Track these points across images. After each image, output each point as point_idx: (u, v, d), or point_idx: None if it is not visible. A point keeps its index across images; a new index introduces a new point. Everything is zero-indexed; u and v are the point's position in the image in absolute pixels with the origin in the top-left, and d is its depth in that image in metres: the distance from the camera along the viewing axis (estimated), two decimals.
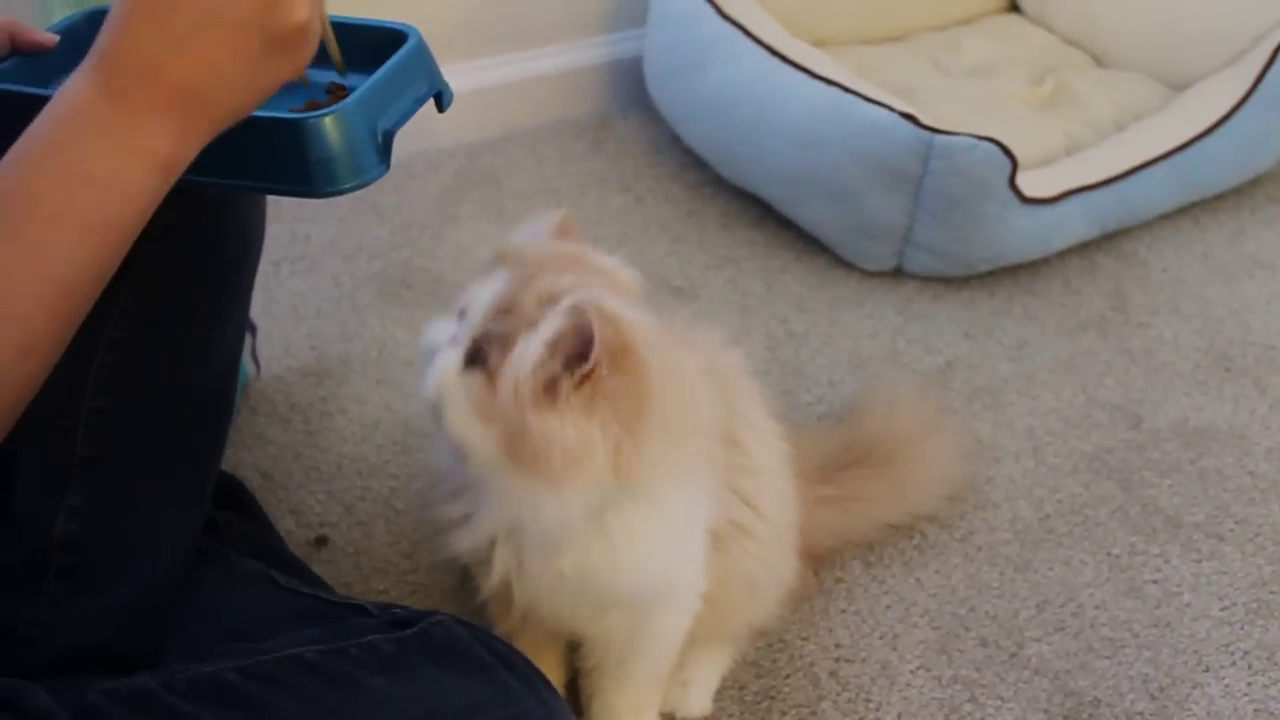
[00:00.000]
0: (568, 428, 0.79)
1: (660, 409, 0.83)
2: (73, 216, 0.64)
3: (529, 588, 0.91)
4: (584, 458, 0.80)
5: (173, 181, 0.68)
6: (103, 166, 0.64)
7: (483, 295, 0.84)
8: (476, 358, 0.82)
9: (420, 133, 0.83)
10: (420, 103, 0.86)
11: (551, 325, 0.79)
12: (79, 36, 0.95)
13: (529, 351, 0.79)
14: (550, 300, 0.81)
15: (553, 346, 0.79)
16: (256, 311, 1.27)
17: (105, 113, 0.65)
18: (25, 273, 0.63)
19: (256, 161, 0.78)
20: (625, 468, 0.82)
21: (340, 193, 0.79)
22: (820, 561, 1.23)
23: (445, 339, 0.85)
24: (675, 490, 0.89)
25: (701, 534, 0.94)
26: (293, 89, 0.92)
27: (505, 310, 0.82)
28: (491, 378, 0.81)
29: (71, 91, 0.66)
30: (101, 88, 0.65)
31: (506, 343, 0.81)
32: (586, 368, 0.79)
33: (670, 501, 0.89)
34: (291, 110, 0.87)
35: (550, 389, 0.79)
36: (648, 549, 0.89)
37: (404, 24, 0.90)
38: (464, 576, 1.20)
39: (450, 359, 0.83)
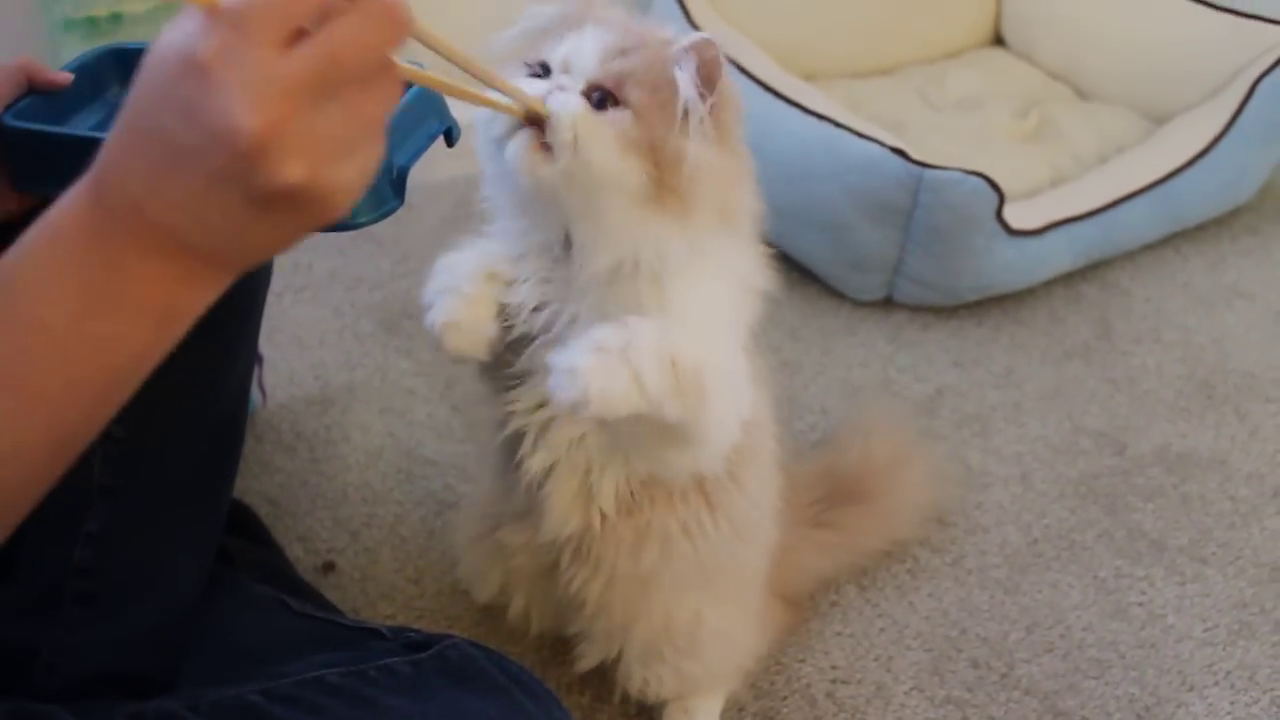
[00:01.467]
0: (710, 153, 0.83)
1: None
2: (58, 375, 0.57)
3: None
4: (726, 182, 0.85)
5: (183, 329, 0.60)
6: (95, 327, 0.57)
7: (586, 47, 0.85)
8: (604, 100, 0.83)
9: (419, 165, 0.86)
10: (433, 139, 0.88)
11: (695, 56, 0.82)
12: (94, 74, 0.98)
13: (688, 82, 0.82)
14: (669, 40, 0.84)
15: (694, 78, 0.82)
16: (261, 341, 1.29)
17: (94, 267, 0.56)
18: (8, 441, 0.58)
19: None
20: (732, 201, 0.87)
21: (356, 227, 0.81)
22: (812, 594, 1.27)
23: (544, 90, 0.83)
24: (731, 256, 0.90)
25: (741, 343, 0.93)
26: None
27: (623, 52, 0.84)
28: (639, 112, 0.82)
29: (62, 226, 0.57)
30: (89, 230, 0.56)
31: (642, 78, 0.83)
32: (714, 98, 0.83)
33: (725, 269, 0.90)
34: None
35: (686, 119, 0.83)
36: (698, 310, 0.88)
37: (414, 61, 0.93)
38: (471, 604, 1.23)
39: (577, 102, 0.82)
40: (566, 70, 0.85)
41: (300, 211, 0.56)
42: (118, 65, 0.99)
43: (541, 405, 0.93)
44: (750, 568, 1.08)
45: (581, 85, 0.84)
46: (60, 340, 0.56)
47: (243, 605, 1.03)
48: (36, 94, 0.91)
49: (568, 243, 0.88)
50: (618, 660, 1.07)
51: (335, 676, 0.82)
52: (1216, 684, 1.21)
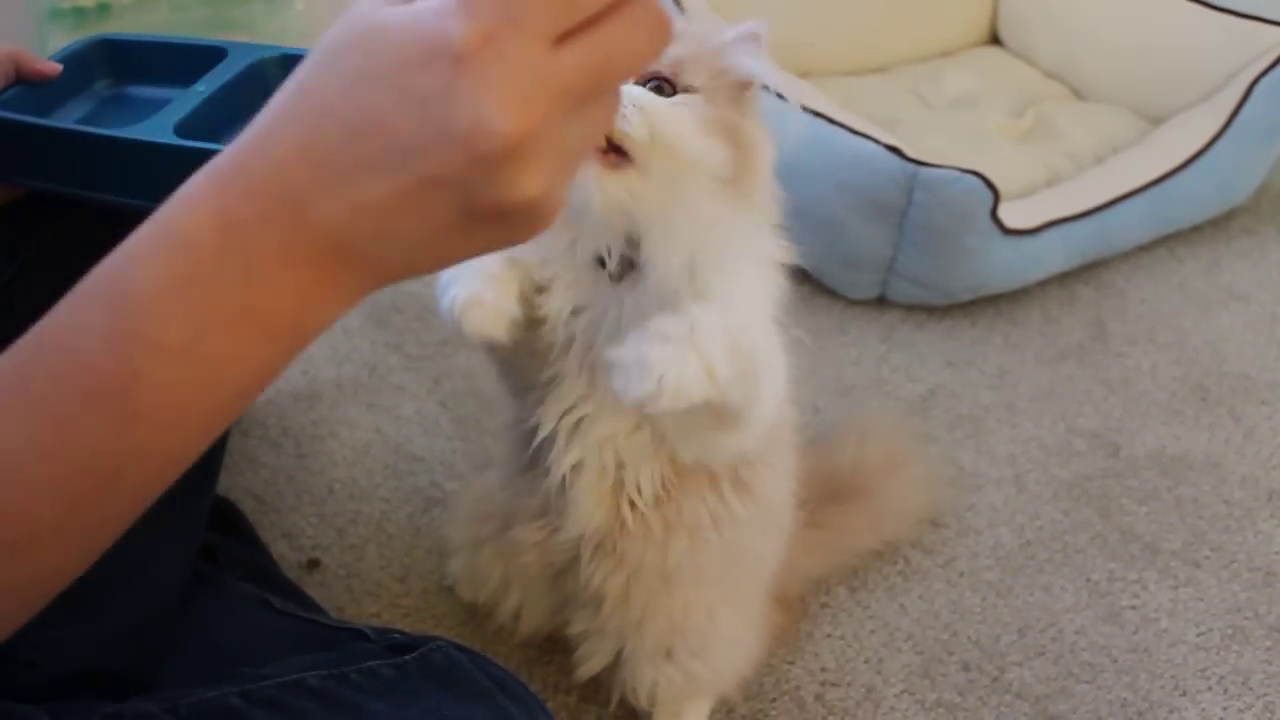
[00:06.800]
0: (763, 129, 0.85)
1: None
2: (165, 397, 0.48)
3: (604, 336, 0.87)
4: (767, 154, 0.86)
5: (300, 348, 0.51)
6: (213, 345, 0.48)
7: None
8: (661, 88, 0.80)
9: None
10: None
11: (751, 39, 0.84)
12: (82, 65, 0.97)
13: (753, 64, 0.83)
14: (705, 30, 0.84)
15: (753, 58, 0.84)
16: None
17: (227, 280, 0.47)
18: (29, 462, 0.49)
19: None
20: (767, 175, 0.88)
21: None
22: (803, 595, 1.25)
23: None
24: (756, 231, 0.90)
25: (772, 318, 0.92)
26: None
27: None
28: (707, 94, 0.81)
29: (189, 231, 0.47)
30: (227, 235, 0.47)
31: (698, 63, 0.81)
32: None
33: (753, 248, 0.90)
34: None
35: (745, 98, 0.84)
36: (733, 296, 0.86)
37: None
38: (457, 603, 1.22)
39: (645, 93, 0.78)
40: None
41: (509, 228, 0.48)
42: (107, 56, 0.98)
43: (573, 408, 0.90)
44: (765, 563, 1.07)
45: (632, 78, 0.79)
46: (173, 361, 0.47)
47: (225, 604, 1.02)
48: (24, 84, 0.91)
49: (624, 259, 0.84)
50: (617, 664, 1.05)
51: (316, 679, 0.81)
52: (1209, 689, 1.20)
